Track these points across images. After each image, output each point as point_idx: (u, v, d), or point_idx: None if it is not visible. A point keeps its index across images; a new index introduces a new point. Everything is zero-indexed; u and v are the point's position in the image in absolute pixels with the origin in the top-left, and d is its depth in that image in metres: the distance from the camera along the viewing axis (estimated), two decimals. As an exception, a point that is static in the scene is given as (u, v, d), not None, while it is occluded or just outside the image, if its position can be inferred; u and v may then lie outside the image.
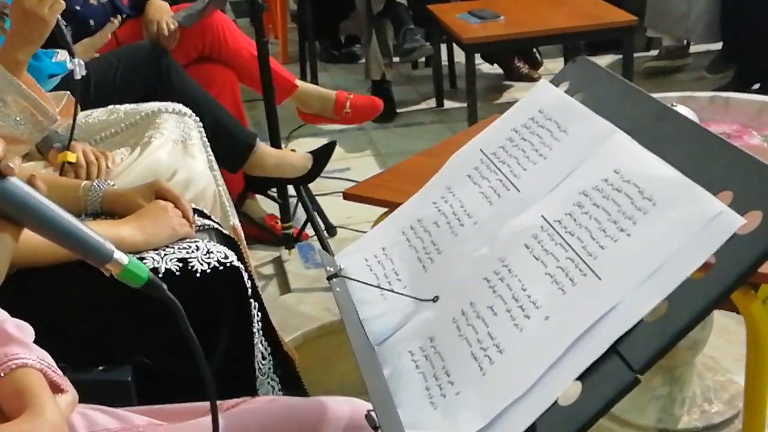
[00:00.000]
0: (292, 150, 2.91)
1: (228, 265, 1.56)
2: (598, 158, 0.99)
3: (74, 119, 1.91)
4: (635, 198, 0.89)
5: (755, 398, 1.47)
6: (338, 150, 3.01)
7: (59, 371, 1.12)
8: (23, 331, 1.15)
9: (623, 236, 0.87)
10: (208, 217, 1.83)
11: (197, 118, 2.17)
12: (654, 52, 4.55)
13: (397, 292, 1.07)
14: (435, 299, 1.03)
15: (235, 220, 2.13)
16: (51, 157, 1.97)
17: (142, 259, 1.50)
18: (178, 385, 1.40)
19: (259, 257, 2.92)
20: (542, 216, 0.98)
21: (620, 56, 3.81)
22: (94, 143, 2.08)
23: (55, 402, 1.07)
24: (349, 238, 2.94)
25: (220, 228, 1.80)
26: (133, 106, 2.16)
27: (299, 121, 3.33)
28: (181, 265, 1.53)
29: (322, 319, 2.52)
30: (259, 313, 1.65)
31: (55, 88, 2.09)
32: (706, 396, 2.02)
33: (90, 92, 2.33)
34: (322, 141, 2.91)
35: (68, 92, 1.92)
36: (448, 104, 4.28)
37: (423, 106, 4.34)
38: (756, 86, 3.94)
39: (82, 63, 1.93)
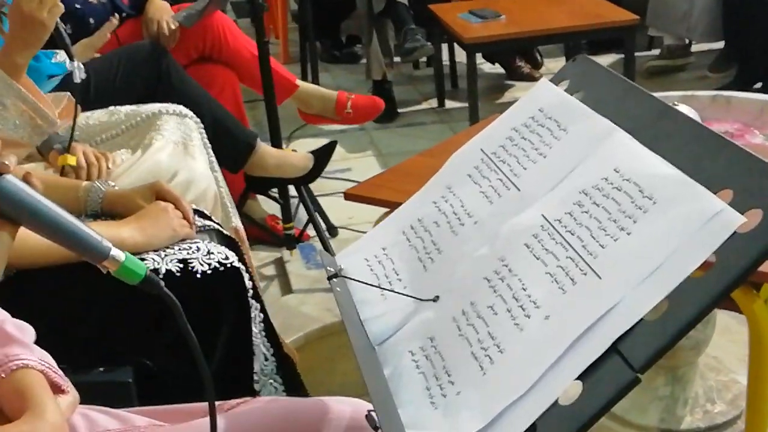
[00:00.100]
0: (293, 150, 2.91)
1: (228, 265, 1.56)
2: (598, 157, 0.98)
3: (74, 121, 1.91)
4: (635, 196, 0.89)
5: (758, 398, 1.46)
6: (339, 150, 3.01)
7: (60, 372, 1.12)
8: (24, 331, 1.15)
9: (623, 235, 0.87)
10: (209, 218, 1.83)
11: (198, 120, 2.17)
12: (656, 51, 4.55)
13: (397, 292, 1.07)
14: (435, 299, 1.03)
15: (237, 222, 2.13)
16: (51, 159, 1.97)
17: (142, 260, 1.49)
18: (179, 386, 1.40)
19: (260, 258, 2.92)
20: (542, 215, 0.98)
21: (622, 55, 3.81)
22: (94, 145, 2.08)
23: (56, 403, 1.06)
24: (350, 239, 2.94)
25: (221, 229, 1.79)
26: (133, 107, 2.16)
27: (300, 121, 3.33)
28: (181, 265, 1.53)
29: (324, 319, 2.52)
30: (262, 314, 1.65)
31: (56, 89, 2.09)
32: (709, 396, 2.02)
33: (90, 93, 2.33)
34: (323, 141, 2.91)
35: (68, 93, 1.92)
36: (449, 104, 4.28)
37: (424, 105, 4.34)
38: (758, 85, 3.93)
39: (82, 66, 1.93)
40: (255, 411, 1.20)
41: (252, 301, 1.61)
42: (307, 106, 3.14)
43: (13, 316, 1.14)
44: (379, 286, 1.10)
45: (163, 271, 1.52)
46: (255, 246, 2.88)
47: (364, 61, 4.54)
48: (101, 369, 1.49)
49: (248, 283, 1.60)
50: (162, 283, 0.94)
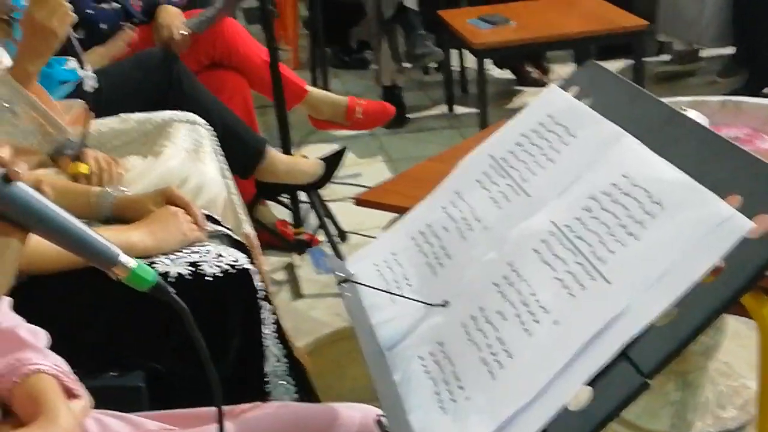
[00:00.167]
0: (303, 156, 2.92)
1: (239, 268, 1.57)
2: (606, 162, 0.99)
3: (87, 128, 1.92)
4: (644, 202, 0.90)
5: (768, 403, 1.46)
6: (349, 155, 3.01)
7: (73, 376, 1.13)
8: (37, 336, 1.16)
9: (632, 240, 0.87)
10: (220, 223, 1.84)
11: (209, 127, 2.18)
12: (665, 57, 4.54)
13: (406, 297, 1.08)
14: (445, 304, 1.03)
15: (248, 228, 2.14)
16: (63, 164, 1.98)
17: (152, 263, 1.50)
18: (189, 389, 1.41)
19: (270, 263, 2.92)
20: (551, 220, 0.98)
21: (631, 61, 3.81)
22: (106, 152, 2.09)
23: (68, 407, 1.07)
24: (360, 244, 2.93)
25: (231, 234, 1.80)
26: (145, 115, 2.17)
27: (310, 126, 3.34)
28: (192, 269, 1.54)
29: (334, 324, 2.53)
30: (274, 316, 1.65)
31: (68, 97, 2.10)
32: (720, 401, 2.01)
33: (101, 99, 2.35)
34: (333, 146, 2.92)
35: (80, 101, 1.94)
36: (459, 109, 4.28)
37: (434, 111, 4.35)
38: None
39: (93, 75, 1.94)
40: (265, 416, 1.21)
41: (263, 303, 1.62)
42: (317, 111, 3.14)
43: (23, 321, 1.15)
44: (388, 291, 1.10)
45: (174, 274, 1.52)
46: (265, 251, 2.89)
47: (374, 66, 4.54)
48: (113, 374, 1.50)
49: (259, 285, 1.61)
50: (172, 290, 0.95)
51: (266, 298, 1.63)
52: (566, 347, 0.83)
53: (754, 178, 0.83)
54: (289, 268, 2.93)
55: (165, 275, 1.51)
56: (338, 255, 2.68)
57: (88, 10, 2.74)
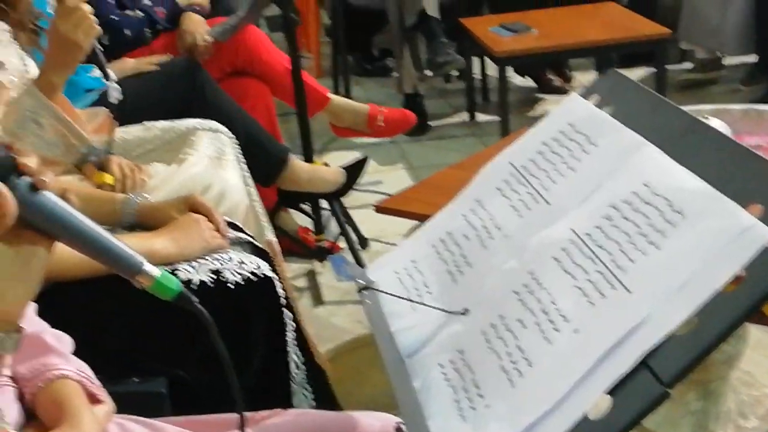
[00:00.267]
0: (324, 163, 2.93)
1: (261, 275, 1.58)
2: (627, 171, 0.99)
3: (111, 136, 1.94)
4: (665, 211, 0.90)
5: (790, 413, 1.45)
6: (371, 163, 3.02)
7: (97, 382, 1.14)
8: (62, 341, 1.17)
9: (653, 249, 0.87)
10: (242, 230, 1.85)
11: (232, 135, 2.19)
12: (688, 65, 4.52)
13: (427, 305, 1.08)
14: (465, 312, 1.03)
15: (271, 235, 2.15)
16: (87, 171, 2.00)
17: (175, 270, 1.51)
18: (212, 397, 1.41)
19: (291, 269, 2.93)
20: (571, 229, 0.98)
21: (654, 69, 3.79)
22: (130, 159, 2.11)
23: (92, 413, 1.09)
24: (381, 251, 2.94)
25: (253, 241, 1.81)
26: (168, 123, 2.19)
27: (332, 134, 3.35)
28: (214, 276, 1.55)
29: (354, 331, 2.53)
30: (294, 323, 1.66)
31: (92, 105, 2.12)
32: (741, 411, 2.00)
33: (125, 107, 2.37)
34: (354, 154, 2.93)
35: (105, 109, 1.95)
36: (480, 117, 4.28)
37: (455, 119, 4.35)
38: (791, 98, 3.90)
39: (118, 87, 1.96)
40: (284, 424, 1.21)
41: (285, 311, 1.62)
42: (338, 119, 3.15)
43: (47, 327, 1.16)
44: (408, 299, 1.11)
45: (197, 281, 1.53)
46: (286, 258, 2.90)
47: (395, 74, 4.55)
48: (136, 379, 1.51)
49: (281, 293, 1.61)
50: (196, 300, 0.95)
51: (288, 306, 1.64)
52: (586, 355, 0.84)
53: (775, 187, 0.83)
54: (310, 275, 2.94)
55: (188, 283, 1.51)
56: (359, 262, 2.69)
57: (112, 16, 2.77)
